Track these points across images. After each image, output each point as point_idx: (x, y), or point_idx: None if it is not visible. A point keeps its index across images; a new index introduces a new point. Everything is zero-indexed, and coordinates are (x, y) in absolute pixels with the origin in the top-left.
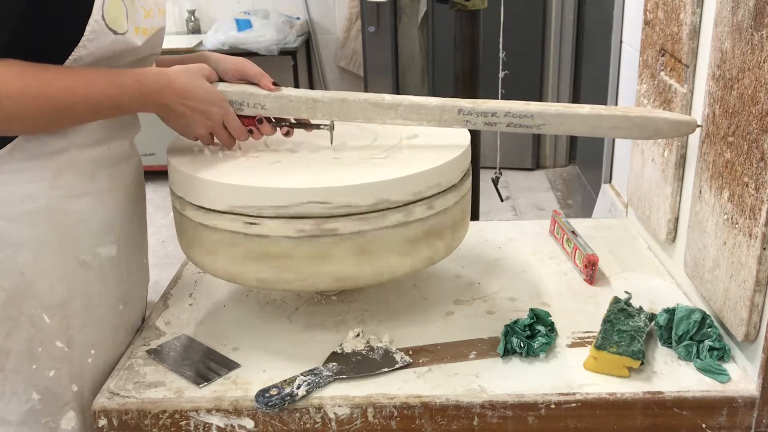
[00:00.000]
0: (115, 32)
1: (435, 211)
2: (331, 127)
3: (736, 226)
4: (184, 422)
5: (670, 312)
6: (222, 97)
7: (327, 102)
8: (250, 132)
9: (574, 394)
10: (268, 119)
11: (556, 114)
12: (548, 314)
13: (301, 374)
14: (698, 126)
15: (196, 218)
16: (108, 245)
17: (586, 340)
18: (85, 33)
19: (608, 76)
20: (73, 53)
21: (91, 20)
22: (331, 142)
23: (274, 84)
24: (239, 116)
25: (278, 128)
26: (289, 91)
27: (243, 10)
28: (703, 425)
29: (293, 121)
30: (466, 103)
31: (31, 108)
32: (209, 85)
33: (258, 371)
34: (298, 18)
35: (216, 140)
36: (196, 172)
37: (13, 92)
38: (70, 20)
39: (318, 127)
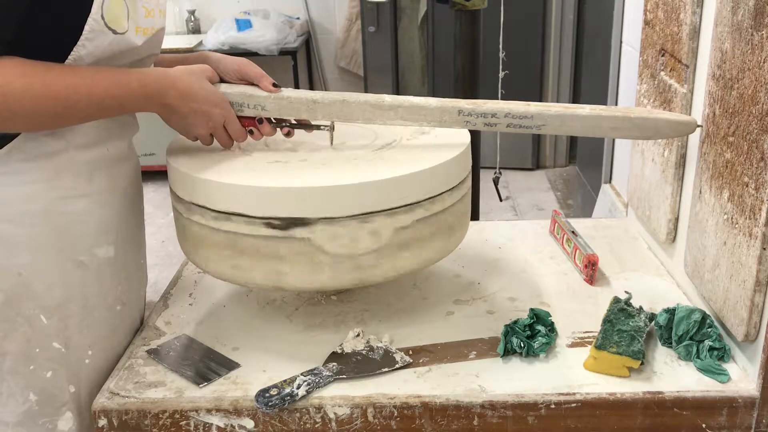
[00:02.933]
0: (114, 31)
1: (434, 211)
2: (332, 128)
3: (736, 226)
4: (184, 422)
5: (670, 312)
6: (223, 99)
7: (327, 103)
8: (251, 132)
9: (574, 394)
10: (269, 120)
11: (555, 115)
12: (548, 314)
13: (301, 374)
14: (698, 126)
15: (195, 218)
16: (105, 246)
17: (586, 340)
18: (84, 32)
19: (608, 76)
20: (72, 52)
21: (89, 19)
22: (331, 143)
23: (275, 85)
24: (240, 117)
25: (278, 129)
26: (289, 93)
27: (243, 10)
28: (703, 425)
29: (293, 121)
30: (466, 104)
31: (34, 106)
32: (211, 86)
33: (258, 371)
34: (298, 18)
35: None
36: (196, 172)
37: (17, 90)
38: (69, 19)
39: (318, 127)
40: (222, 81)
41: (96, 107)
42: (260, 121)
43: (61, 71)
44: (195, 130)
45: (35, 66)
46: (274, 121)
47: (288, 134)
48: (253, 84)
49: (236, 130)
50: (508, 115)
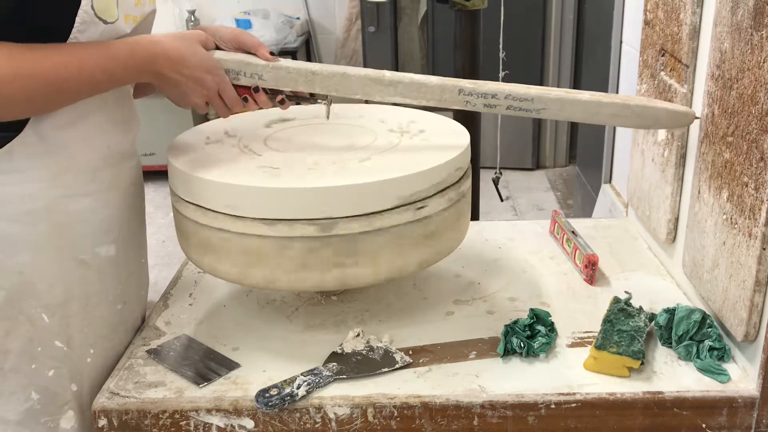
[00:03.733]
0: (104, 21)
1: (434, 211)
2: (329, 102)
3: (736, 226)
4: (184, 422)
5: (670, 312)
6: (218, 65)
7: (326, 75)
8: (245, 100)
9: (574, 394)
10: (264, 89)
11: (556, 99)
12: (548, 314)
13: (301, 374)
14: (696, 118)
15: (195, 218)
16: (107, 245)
17: (586, 340)
18: (75, 24)
19: (608, 76)
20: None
21: (80, 11)
22: (327, 117)
23: (272, 54)
24: (235, 86)
25: (274, 98)
26: (287, 63)
27: (243, 10)
28: (703, 425)
29: (289, 93)
30: (467, 84)
31: (25, 89)
32: (204, 51)
33: (258, 371)
34: (298, 18)
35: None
36: (196, 171)
37: (6, 74)
38: (59, 11)
39: (315, 101)
40: (218, 49)
41: (87, 83)
42: (256, 89)
43: (48, 50)
44: (189, 99)
45: (21, 48)
46: (269, 91)
47: (282, 102)
48: (250, 53)
49: (231, 97)
50: (508, 97)
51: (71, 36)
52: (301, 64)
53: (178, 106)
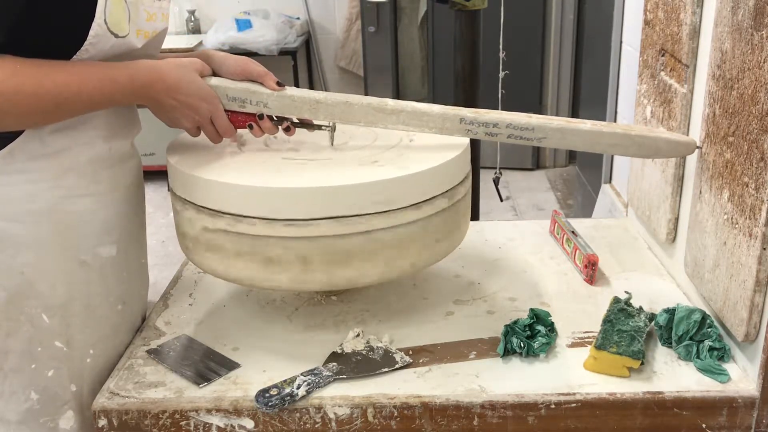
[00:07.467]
0: (116, 35)
1: (434, 211)
2: (333, 129)
3: (736, 226)
4: (184, 422)
5: (670, 312)
6: (212, 93)
7: (330, 104)
8: (250, 127)
9: (574, 394)
10: (270, 116)
11: (557, 128)
12: (548, 314)
13: (301, 374)
14: (698, 147)
15: (195, 218)
16: (108, 245)
17: (586, 340)
18: (89, 37)
19: (608, 76)
20: (75, 56)
21: (94, 24)
22: (332, 143)
23: (279, 84)
24: (241, 112)
25: (279, 125)
26: (292, 91)
27: (243, 10)
28: (703, 425)
29: (295, 120)
30: (468, 113)
31: (25, 105)
32: (200, 80)
33: (258, 371)
34: (298, 18)
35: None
36: (196, 171)
37: (8, 90)
38: (73, 23)
39: (319, 127)
40: (215, 75)
41: (85, 103)
42: (261, 116)
43: (51, 69)
44: (180, 123)
45: (25, 64)
46: (275, 118)
47: (288, 130)
48: (257, 82)
49: (223, 125)
50: (509, 126)
51: (83, 48)
52: (305, 93)
53: (170, 127)
